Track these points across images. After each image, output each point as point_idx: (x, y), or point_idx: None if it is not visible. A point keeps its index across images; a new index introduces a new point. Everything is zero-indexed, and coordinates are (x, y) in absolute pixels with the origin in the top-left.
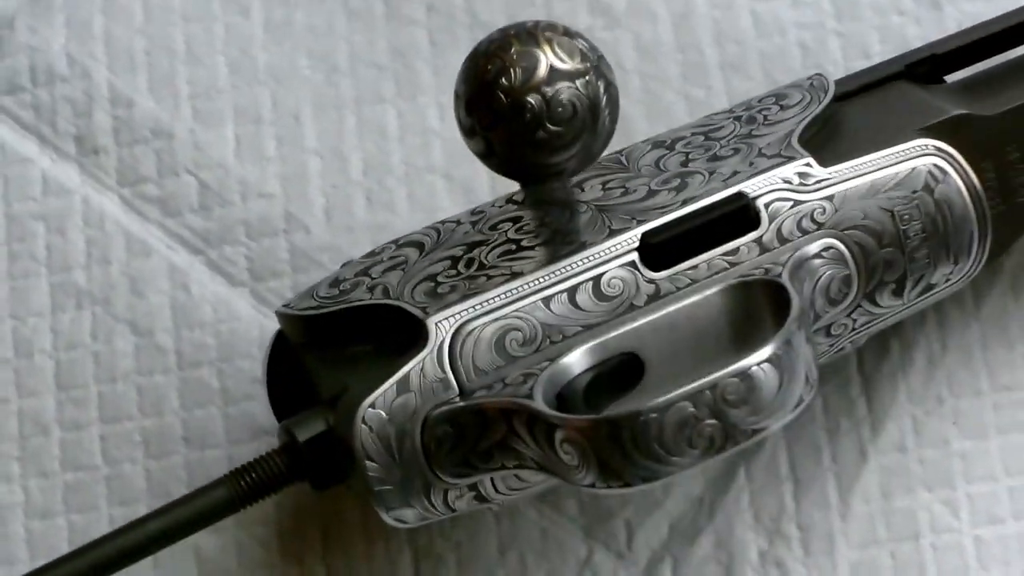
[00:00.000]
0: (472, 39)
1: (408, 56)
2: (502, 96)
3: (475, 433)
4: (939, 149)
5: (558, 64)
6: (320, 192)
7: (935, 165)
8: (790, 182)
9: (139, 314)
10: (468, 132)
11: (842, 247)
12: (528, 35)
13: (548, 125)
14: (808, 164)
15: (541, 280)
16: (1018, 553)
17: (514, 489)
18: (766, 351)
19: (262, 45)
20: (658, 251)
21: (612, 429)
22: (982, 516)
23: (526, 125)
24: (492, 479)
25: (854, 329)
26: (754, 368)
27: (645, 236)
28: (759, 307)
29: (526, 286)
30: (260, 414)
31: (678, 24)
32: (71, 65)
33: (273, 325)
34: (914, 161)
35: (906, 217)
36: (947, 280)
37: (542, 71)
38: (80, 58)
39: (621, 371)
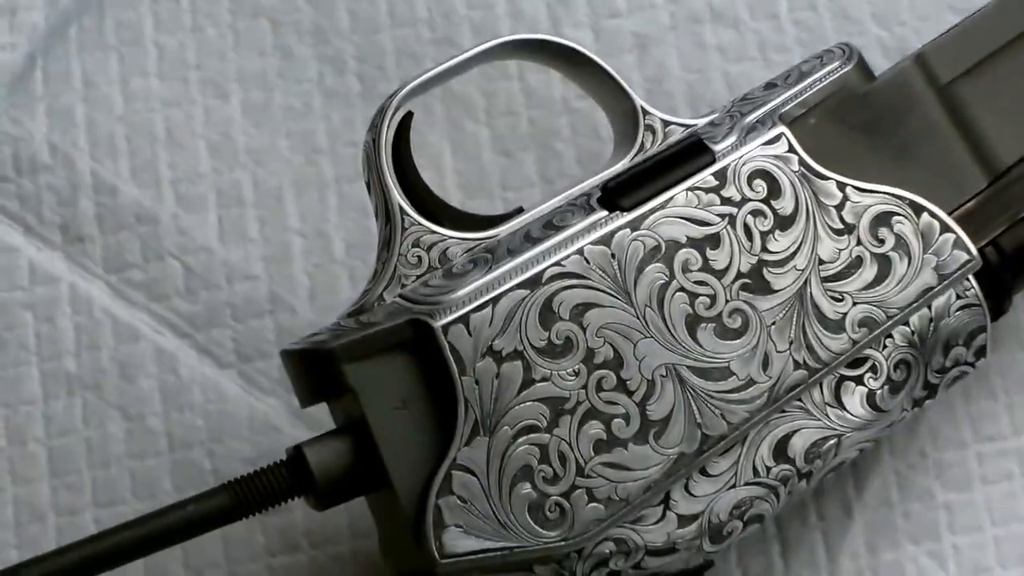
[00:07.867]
0: (447, 115)
1: None
2: None
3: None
4: None
5: None
6: (304, 272)
7: None
8: None
9: (129, 399)
10: None
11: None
12: None
13: None
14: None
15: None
16: None
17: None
18: None
19: (241, 128)
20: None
21: None
22: (968, 567)
23: None
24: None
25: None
26: None
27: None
28: None
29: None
30: None
31: (652, 88)
32: (54, 154)
33: (261, 407)
34: None
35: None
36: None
37: None
38: (63, 147)
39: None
